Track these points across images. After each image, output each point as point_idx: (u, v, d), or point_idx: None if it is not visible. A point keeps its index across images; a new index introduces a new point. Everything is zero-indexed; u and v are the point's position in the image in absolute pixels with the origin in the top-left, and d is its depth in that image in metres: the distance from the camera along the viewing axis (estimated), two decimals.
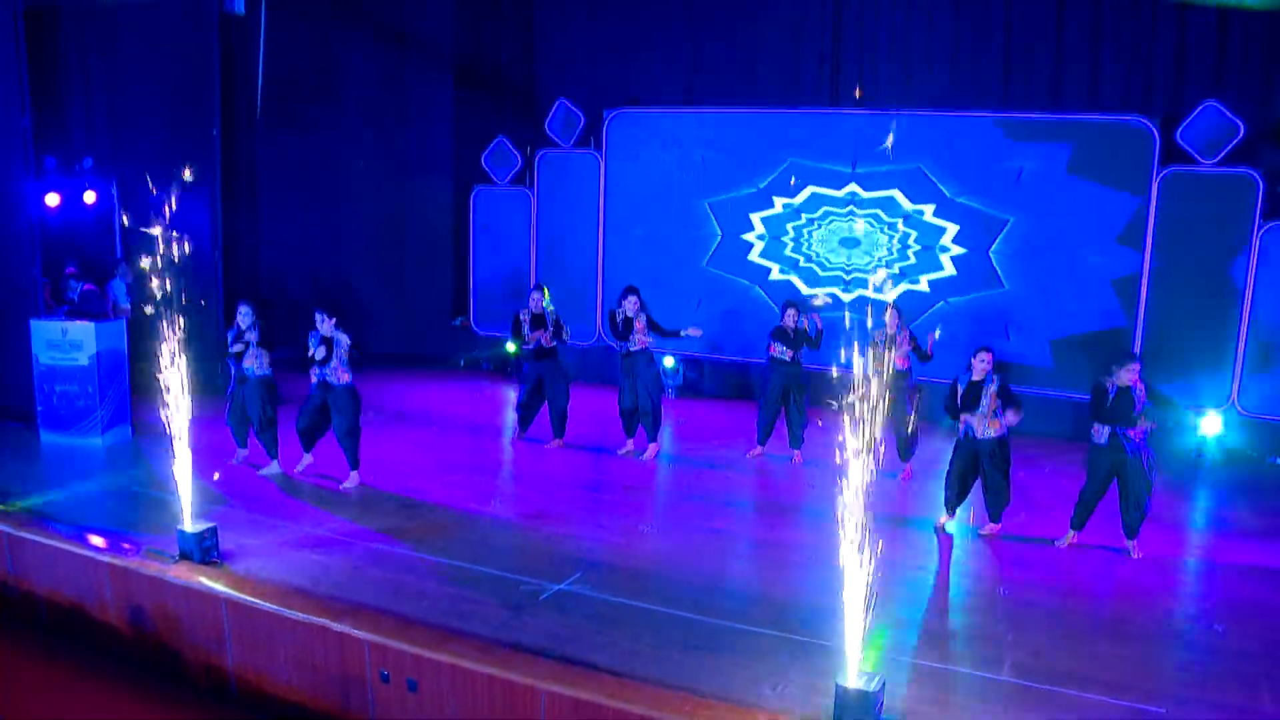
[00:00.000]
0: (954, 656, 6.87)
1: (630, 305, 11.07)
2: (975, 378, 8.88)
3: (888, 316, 10.47)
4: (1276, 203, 11.38)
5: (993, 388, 8.84)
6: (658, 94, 14.42)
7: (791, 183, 13.34)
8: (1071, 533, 8.95)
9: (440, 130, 16.03)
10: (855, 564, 5.97)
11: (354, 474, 10.25)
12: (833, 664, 6.31)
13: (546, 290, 11.63)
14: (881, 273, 12.64)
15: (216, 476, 10.12)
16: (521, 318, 11.45)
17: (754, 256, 13.93)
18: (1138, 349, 11.88)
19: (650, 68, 14.56)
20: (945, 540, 9.14)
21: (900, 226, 13.06)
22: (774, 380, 11.23)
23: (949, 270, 12.91)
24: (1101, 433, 8.58)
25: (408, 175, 16.15)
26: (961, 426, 9.05)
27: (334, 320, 9.95)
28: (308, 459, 10.49)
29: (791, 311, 11.08)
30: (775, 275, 13.84)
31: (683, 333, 11.23)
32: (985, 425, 8.90)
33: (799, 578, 8.20)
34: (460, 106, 15.94)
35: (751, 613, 7.46)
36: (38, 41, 12.88)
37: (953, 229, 12.81)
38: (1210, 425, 11.74)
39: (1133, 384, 8.41)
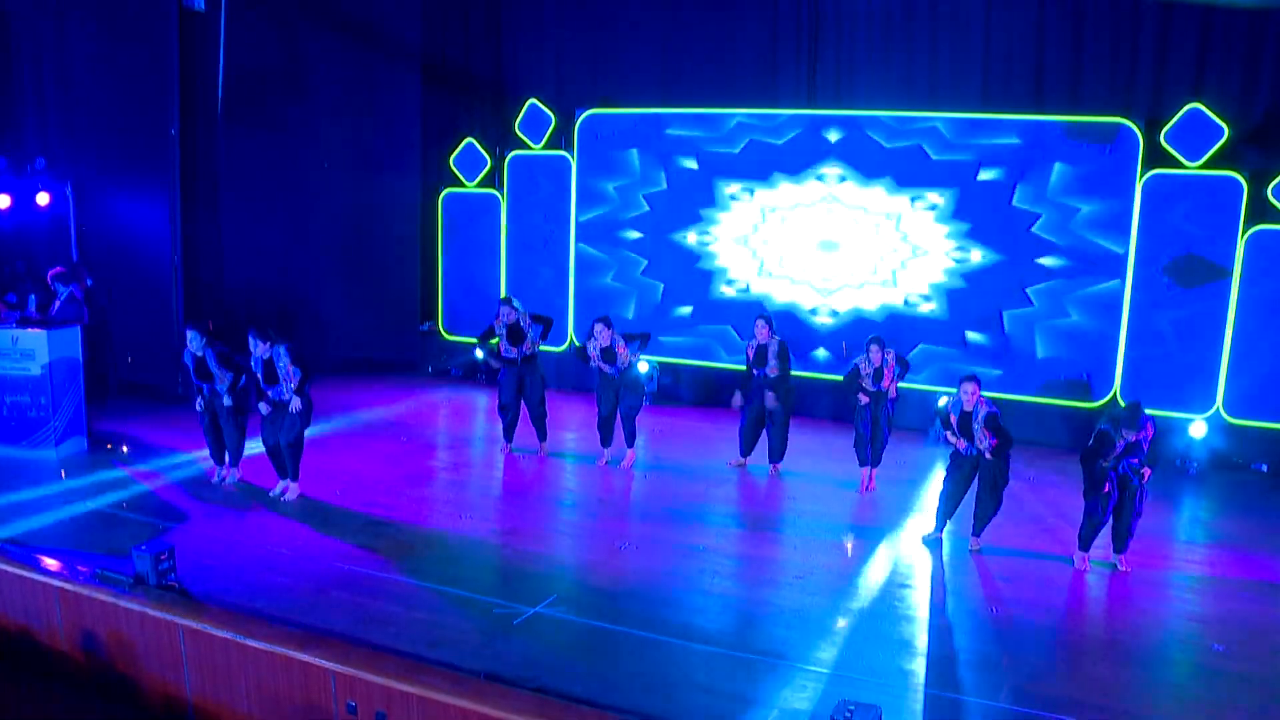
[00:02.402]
0: (950, 682, 6.59)
1: (603, 335, 10.76)
2: (966, 408, 8.65)
3: (871, 352, 10.20)
4: (1261, 206, 11.20)
5: (981, 416, 8.61)
6: (631, 94, 14.12)
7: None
8: (1082, 554, 8.64)
9: (408, 131, 15.67)
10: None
11: (293, 485, 9.91)
12: (826, 691, 6.03)
13: (514, 300, 11.26)
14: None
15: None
16: (496, 329, 11.14)
17: (730, 261, 13.65)
18: (1120, 354, 11.75)
19: (623, 67, 14.27)
20: (932, 556, 8.87)
21: (879, 231, 12.83)
22: (753, 393, 10.91)
23: (918, 280, 12.71)
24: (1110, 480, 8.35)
25: (375, 177, 15.75)
26: (962, 445, 8.80)
27: (268, 343, 9.56)
28: (283, 484, 10.06)
29: (761, 323, 10.75)
30: (753, 280, 13.58)
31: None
32: (984, 447, 8.68)
33: (786, 598, 7.90)
34: (429, 107, 15.60)
35: (738, 636, 7.18)
36: None
37: (929, 234, 12.60)
38: (1196, 431, 11.55)
39: (1142, 439, 8.18)
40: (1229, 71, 11.43)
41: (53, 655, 7.70)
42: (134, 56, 12.95)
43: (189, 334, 9.89)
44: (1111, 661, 6.99)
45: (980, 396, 8.63)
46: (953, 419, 8.74)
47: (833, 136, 12.94)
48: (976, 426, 8.60)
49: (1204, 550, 9.31)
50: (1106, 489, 8.32)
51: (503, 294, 14.88)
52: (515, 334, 11.10)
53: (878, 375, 10.20)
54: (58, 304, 11.89)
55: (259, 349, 9.57)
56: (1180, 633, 7.58)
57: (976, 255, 12.45)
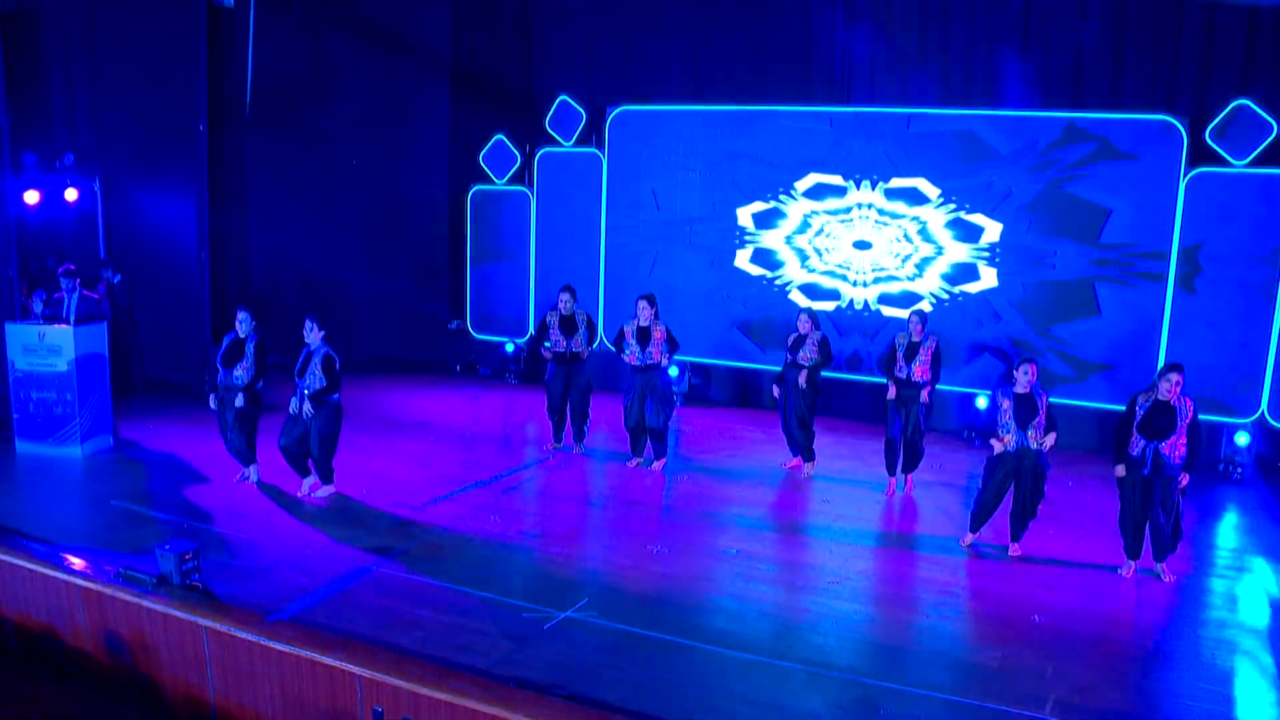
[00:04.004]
0: (993, 693, 6.36)
1: (645, 313, 10.59)
2: (1021, 390, 8.43)
3: (911, 324, 10.05)
4: None
5: (1041, 401, 8.43)
6: (662, 91, 13.94)
7: None
8: (1130, 563, 8.38)
9: (437, 128, 15.56)
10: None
11: (327, 486, 9.82)
12: (865, 701, 5.83)
13: (573, 291, 11.15)
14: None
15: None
16: (548, 321, 11.08)
17: (763, 259, 13.46)
18: (1161, 357, 11.48)
19: (654, 64, 14.10)
20: (970, 561, 8.65)
21: (913, 232, 12.61)
22: (787, 386, 10.72)
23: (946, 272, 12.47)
24: (1136, 446, 8.08)
25: (403, 175, 15.68)
26: (1013, 440, 8.55)
27: (322, 334, 9.46)
28: (310, 481, 9.94)
29: (804, 317, 10.58)
30: (787, 277, 13.37)
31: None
32: (1033, 439, 8.45)
33: (823, 604, 7.70)
34: (457, 104, 15.50)
35: (774, 643, 6.98)
36: (17, 34, 12.39)
37: (961, 232, 12.37)
38: (1240, 436, 11.26)
39: (1174, 397, 7.92)
40: (1278, 63, 11.11)
41: (75, 655, 7.61)
42: (162, 52, 12.90)
43: (240, 314, 9.76)
44: (1161, 673, 6.77)
45: (1036, 379, 8.44)
46: (1007, 403, 8.49)
47: (868, 133, 12.72)
48: (1039, 412, 8.40)
49: (1252, 559, 9.02)
50: (1123, 473, 8.13)
51: (531, 292, 14.79)
52: (568, 325, 10.98)
53: (911, 352, 9.97)
54: (67, 301, 11.71)
55: (312, 336, 9.45)
56: (1232, 644, 7.31)
57: (1011, 255, 12.21)
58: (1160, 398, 7.97)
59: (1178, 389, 7.91)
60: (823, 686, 6.38)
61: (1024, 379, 8.43)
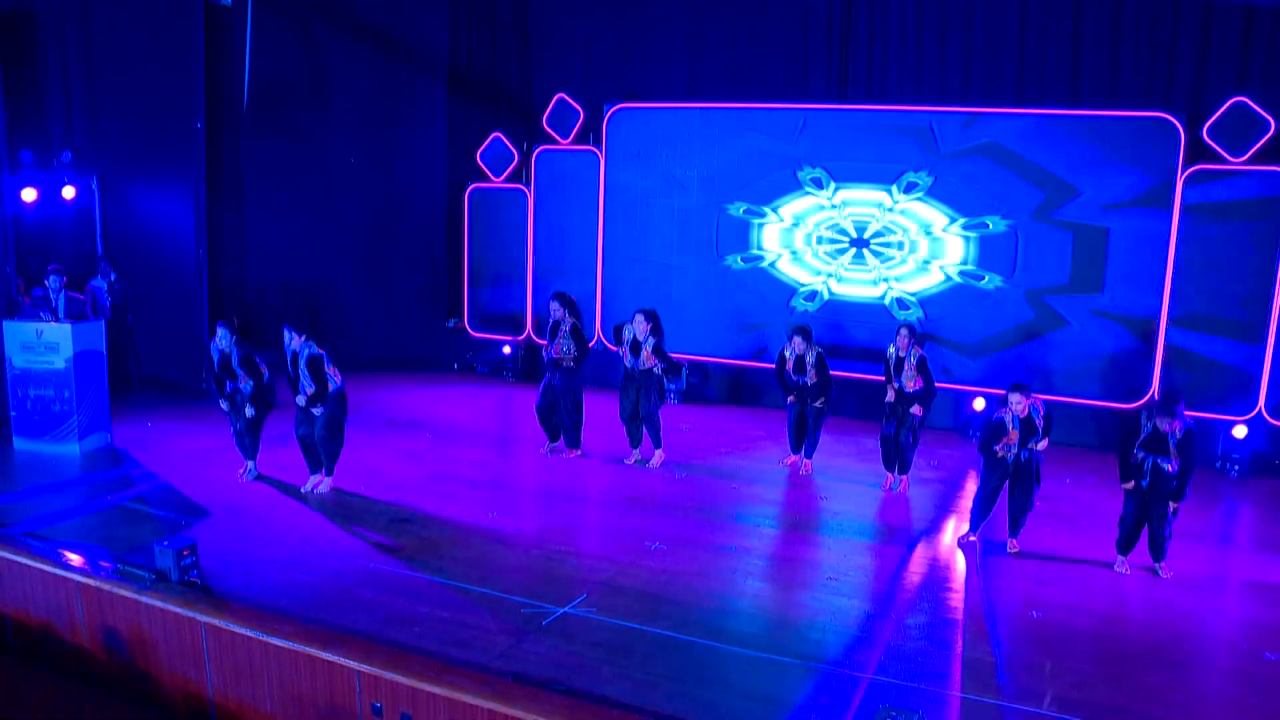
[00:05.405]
0: (991, 688, 6.38)
1: (640, 328, 10.64)
2: (1021, 415, 8.45)
3: (899, 337, 10.04)
4: None
5: (1041, 416, 8.49)
6: (660, 88, 13.96)
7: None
8: (1124, 559, 8.42)
9: (434, 127, 15.57)
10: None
11: (326, 479, 9.88)
12: (863, 697, 5.83)
13: (564, 298, 11.07)
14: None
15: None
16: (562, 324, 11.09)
17: (758, 256, 13.46)
18: (1159, 353, 11.47)
19: (652, 61, 14.13)
20: (968, 558, 8.66)
21: (912, 229, 12.61)
22: (796, 396, 10.73)
23: (951, 270, 12.48)
24: (1137, 457, 8.13)
25: (400, 173, 15.68)
26: (1013, 453, 8.58)
27: (303, 337, 9.51)
28: (315, 478, 9.97)
29: (797, 338, 10.55)
30: (782, 275, 13.38)
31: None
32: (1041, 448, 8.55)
33: (820, 600, 7.71)
34: (455, 103, 15.51)
35: (772, 638, 6.99)
36: (14, 32, 12.38)
37: (961, 231, 12.38)
38: (1238, 434, 11.27)
39: (1171, 430, 7.98)
40: (1275, 61, 11.13)
41: (74, 651, 7.62)
42: (160, 50, 12.88)
43: (219, 329, 9.82)
44: (1158, 668, 6.77)
45: (1030, 400, 8.46)
46: (1014, 433, 8.50)
47: (867, 130, 12.73)
48: (1039, 426, 8.48)
49: (1249, 555, 9.06)
50: (1131, 486, 8.16)
51: (529, 289, 14.78)
52: (553, 332, 11.00)
53: (899, 366, 9.99)
54: (53, 299, 11.66)
55: (294, 342, 9.52)
56: (1228, 639, 7.33)
57: (1010, 252, 12.21)
58: (1162, 430, 8.01)
59: (1179, 424, 7.99)
60: (820, 680, 6.38)
61: (1016, 408, 8.44)
